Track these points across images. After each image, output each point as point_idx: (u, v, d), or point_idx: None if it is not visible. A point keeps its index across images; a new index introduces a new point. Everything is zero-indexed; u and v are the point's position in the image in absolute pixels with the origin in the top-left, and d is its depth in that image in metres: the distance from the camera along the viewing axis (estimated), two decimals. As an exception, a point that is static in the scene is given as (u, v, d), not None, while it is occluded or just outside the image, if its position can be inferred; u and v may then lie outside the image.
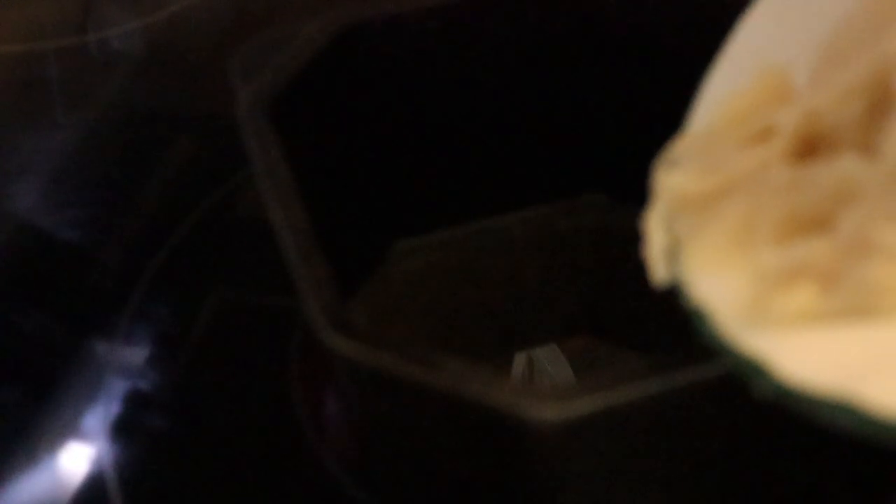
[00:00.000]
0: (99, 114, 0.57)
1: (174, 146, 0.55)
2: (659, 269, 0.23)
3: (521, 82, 0.44)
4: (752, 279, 0.21)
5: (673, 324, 0.26)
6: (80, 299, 0.48)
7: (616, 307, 0.44)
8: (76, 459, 0.42)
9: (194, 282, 0.48)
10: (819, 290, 0.20)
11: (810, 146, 0.24)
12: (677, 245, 0.24)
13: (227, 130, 0.38)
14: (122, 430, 0.42)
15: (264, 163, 0.34)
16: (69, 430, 0.42)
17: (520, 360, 0.44)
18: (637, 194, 0.30)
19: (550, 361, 0.43)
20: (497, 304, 0.42)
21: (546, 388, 0.27)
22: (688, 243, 0.23)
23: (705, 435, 0.31)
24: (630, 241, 0.30)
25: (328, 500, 0.40)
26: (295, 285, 0.30)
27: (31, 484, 0.41)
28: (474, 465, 0.32)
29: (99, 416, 0.42)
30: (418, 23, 0.41)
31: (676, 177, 0.24)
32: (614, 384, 0.27)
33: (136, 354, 0.45)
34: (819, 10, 0.27)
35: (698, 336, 0.22)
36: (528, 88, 0.44)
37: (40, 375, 0.44)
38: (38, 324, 0.46)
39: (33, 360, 0.45)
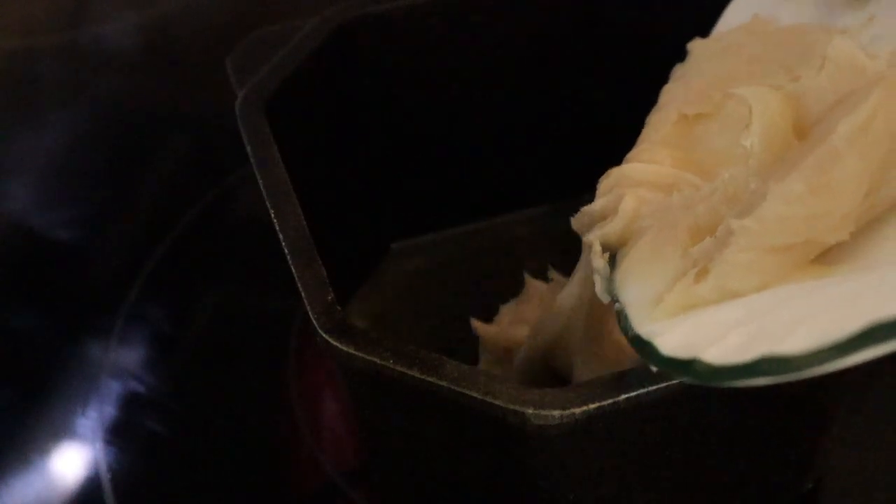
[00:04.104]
0: (92, 111, 0.56)
1: (169, 144, 0.55)
2: (601, 293, 0.29)
3: (521, 81, 0.44)
4: (658, 284, 0.27)
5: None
6: (73, 299, 0.47)
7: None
8: (70, 462, 0.41)
9: (190, 282, 0.48)
10: (694, 282, 0.26)
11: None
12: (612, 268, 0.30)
13: (224, 128, 0.38)
14: (117, 433, 0.42)
15: (261, 162, 0.34)
16: (63, 432, 0.42)
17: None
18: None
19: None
20: (497, 305, 0.42)
21: (546, 390, 0.27)
22: (618, 266, 0.29)
23: (703, 436, 0.31)
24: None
25: (326, 502, 0.40)
26: (293, 287, 0.30)
27: (24, 487, 0.40)
28: (473, 465, 0.32)
29: (93, 418, 0.42)
30: (417, 20, 0.41)
31: (596, 231, 0.30)
32: (614, 387, 0.27)
33: (131, 355, 0.44)
34: None
35: (622, 331, 0.27)
36: (528, 87, 0.44)
37: (33, 377, 0.44)
38: (31, 324, 0.46)
39: (26, 360, 0.45)
